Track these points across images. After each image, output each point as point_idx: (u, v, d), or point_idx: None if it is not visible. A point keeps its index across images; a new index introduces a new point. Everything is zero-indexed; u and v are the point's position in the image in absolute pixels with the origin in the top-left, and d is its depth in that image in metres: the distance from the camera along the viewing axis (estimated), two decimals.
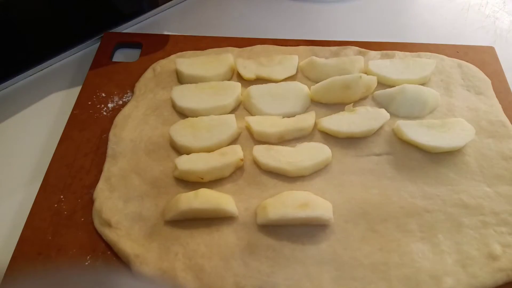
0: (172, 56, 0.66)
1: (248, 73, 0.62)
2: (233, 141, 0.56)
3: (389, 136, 0.56)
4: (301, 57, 0.65)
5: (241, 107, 0.60)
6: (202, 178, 0.51)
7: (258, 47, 0.68)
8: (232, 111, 0.59)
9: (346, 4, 0.81)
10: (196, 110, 0.58)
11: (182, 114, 0.59)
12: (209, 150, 0.53)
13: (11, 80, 0.66)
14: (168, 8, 0.79)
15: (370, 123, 0.56)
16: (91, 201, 0.51)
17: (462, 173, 0.53)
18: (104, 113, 0.60)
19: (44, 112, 0.63)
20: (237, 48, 0.67)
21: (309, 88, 0.60)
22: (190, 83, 0.61)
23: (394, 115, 0.58)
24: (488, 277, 0.45)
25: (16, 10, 0.64)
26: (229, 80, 0.63)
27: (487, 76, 0.64)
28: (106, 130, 0.58)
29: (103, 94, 0.62)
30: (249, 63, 0.64)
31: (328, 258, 0.46)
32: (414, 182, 0.52)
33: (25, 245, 0.47)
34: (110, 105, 0.61)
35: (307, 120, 0.56)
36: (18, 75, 0.66)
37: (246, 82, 0.62)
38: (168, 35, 0.71)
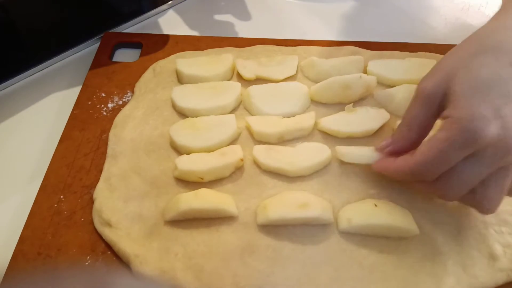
0: (172, 56, 0.66)
1: (248, 73, 0.62)
2: (233, 141, 0.56)
3: (389, 136, 0.56)
4: (301, 57, 0.65)
5: (241, 107, 0.60)
6: (202, 178, 0.51)
7: (258, 47, 0.68)
8: (232, 111, 0.59)
9: (346, 3, 0.81)
10: (196, 110, 0.58)
11: (182, 114, 0.59)
12: (209, 150, 0.53)
13: (11, 80, 0.66)
14: (168, 8, 0.79)
15: (370, 123, 0.56)
16: (91, 201, 0.51)
17: None
18: (104, 113, 0.60)
19: (44, 112, 0.63)
20: (237, 48, 0.67)
21: (309, 88, 0.60)
22: (190, 83, 0.61)
23: (394, 115, 0.58)
24: (489, 277, 0.45)
25: (16, 10, 0.64)
26: (229, 80, 0.63)
27: None
28: (106, 130, 0.58)
29: (103, 94, 0.62)
30: (249, 63, 0.64)
31: (327, 258, 0.46)
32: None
33: (25, 245, 0.47)
34: (110, 105, 0.61)
35: (307, 120, 0.56)
36: (18, 75, 0.66)
37: (246, 82, 0.62)
38: (168, 35, 0.71)
